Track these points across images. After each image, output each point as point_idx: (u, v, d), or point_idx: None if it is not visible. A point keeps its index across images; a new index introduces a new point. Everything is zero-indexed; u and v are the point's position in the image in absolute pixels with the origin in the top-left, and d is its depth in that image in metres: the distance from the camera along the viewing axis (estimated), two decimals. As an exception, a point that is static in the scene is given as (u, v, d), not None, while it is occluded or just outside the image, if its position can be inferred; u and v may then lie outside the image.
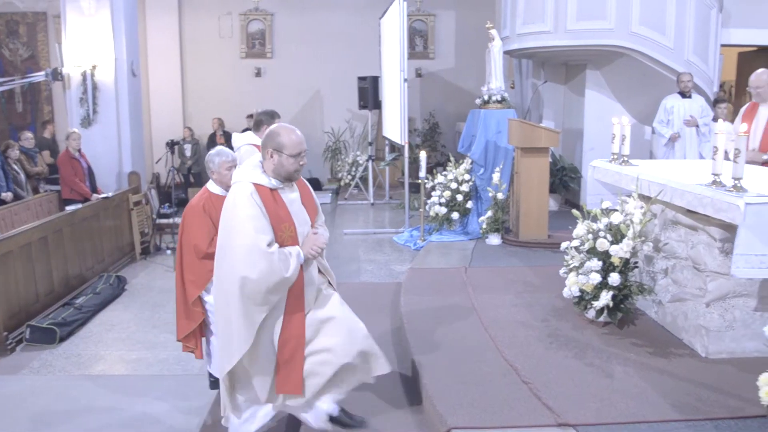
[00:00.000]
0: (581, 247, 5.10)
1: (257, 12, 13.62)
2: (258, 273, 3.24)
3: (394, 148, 11.41)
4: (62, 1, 9.33)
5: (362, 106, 12.18)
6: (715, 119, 8.18)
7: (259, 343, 3.41)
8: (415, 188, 9.92)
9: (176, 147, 11.00)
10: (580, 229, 5.15)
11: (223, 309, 3.45)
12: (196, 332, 4.51)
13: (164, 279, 7.59)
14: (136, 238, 8.79)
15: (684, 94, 8.53)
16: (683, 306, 4.81)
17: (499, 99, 8.64)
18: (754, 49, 10.94)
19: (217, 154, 4.58)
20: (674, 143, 8.53)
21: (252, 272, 3.24)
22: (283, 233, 3.38)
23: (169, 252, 8.73)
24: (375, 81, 11.57)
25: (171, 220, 8.95)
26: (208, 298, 4.40)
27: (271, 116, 5.76)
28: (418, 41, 13.94)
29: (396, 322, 5.61)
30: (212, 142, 12.81)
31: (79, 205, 7.95)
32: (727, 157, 4.22)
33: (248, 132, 5.77)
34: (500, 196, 7.83)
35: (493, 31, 8.76)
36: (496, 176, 7.86)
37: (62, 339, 5.80)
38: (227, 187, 4.30)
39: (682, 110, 8.51)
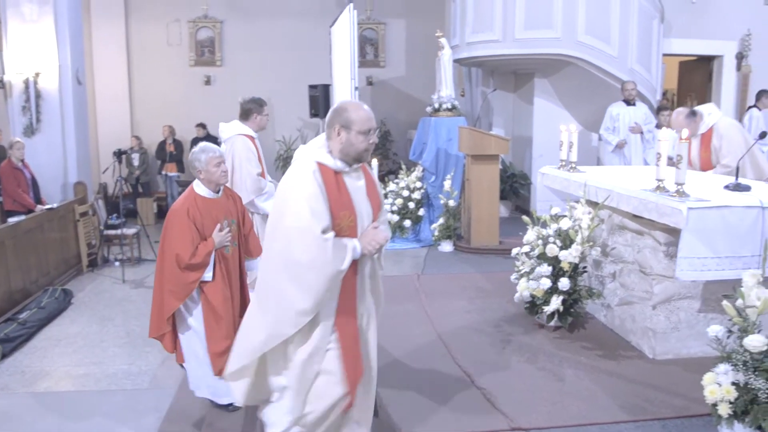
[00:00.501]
0: (531, 253, 5.18)
1: (206, 19, 13.47)
2: (309, 259, 2.87)
3: (346, 156, 11.39)
4: (2, 7, 9.07)
5: (313, 114, 12.13)
6: (658, 126, 8.40)
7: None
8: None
9: (124, 156, 10.78)
10: (530, 234, 5.23)
11: (264, 298, 3.04)
12: (172, 334, 4.18)
13: (112, 291, 7.41)
14: (82, 250, 8.57)
15: (628, 102, 8.75)
16: (631, 309, 4.92)
17: (450, 107, 8.73)
18: (694, 58, 11.29)
19: (202, 151, 4.16)
20: (621, 150, 8.73)
21: (303, 257, 2.87)
22: (342, 222, 2.98)
23: (117, 264, 8.54)
24: (326, 89, 11.55)
25: (119, 231, 8.77)
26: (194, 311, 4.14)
27: (260, 104, 5.72)
28: (369, 49, 13.97)
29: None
30: (162, 150, 12.62)
31: (23, 217, 7.70)
32: (670, 163, 4.35)
33: (234, 121, 5.59)
34: (452, 203, 7.90)
35: (443, 40, 8.86)
36: (447, 183, 7.93)
37: (5, 355, 5.61)
38: (217, 187, 4.16)
39: (627, 117, 8.72)
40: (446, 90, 8.77)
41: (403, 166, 8.98)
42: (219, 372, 3.97)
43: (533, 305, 5.20)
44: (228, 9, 13.47)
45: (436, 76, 8.96)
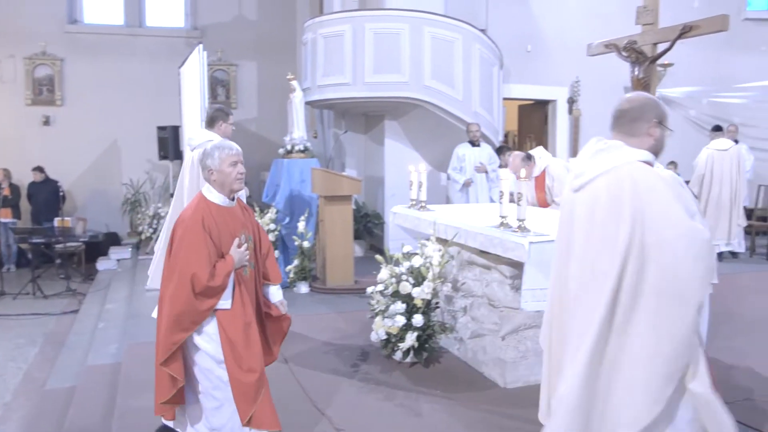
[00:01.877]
0: (385, 291, 5.24)
1: (45, 56, 12.75)
2: (703, 274, 2.47)
3: (198, 199, 11.09)
4: None
5: (162, 157, 11.76)
6: (501, 166, 8.88)
7: None
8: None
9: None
10: (384, 273, 5.30)
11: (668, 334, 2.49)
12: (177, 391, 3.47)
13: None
14: None
15: (474, 143, 9.20)
16: (482, 341, 5.09)
17: (302, 148, 8.75)
18: (531, 102, 12.10)
19: (216, 147, 3.52)
20: (467, 188, 9.13)
21: (702, 273, 2.46)
22: None
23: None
24: (175, 131, 11.25)
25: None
26: (200, 342, 3.42)
27: (225, 113, 5.73)
28: (220, 91, 13.81)
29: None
30: (-6, 195, 11.71)
31: None
32: (512, 200, 4.59)
33: (201, 129, 5.60)
34: (306, 244, 7.87)
35: (295, 83, 8.91)
36: (301, 225, 7.90)
37: None
38: (232, 193, 3.55)
39: (472, 158, 9.16)
40: (298, 132, 8.80)
41: (257, 208, 8.86)
42: (248, 421, 3.42)
43: (389, 343, 5.25)
44: (69, 46, 12.85)
45: (288, 118, 8.98)
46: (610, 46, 4.13)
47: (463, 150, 9.22)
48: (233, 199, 3.60)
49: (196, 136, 5.64)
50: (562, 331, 2.80)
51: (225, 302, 3.40)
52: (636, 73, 4.01)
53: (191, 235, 3.35)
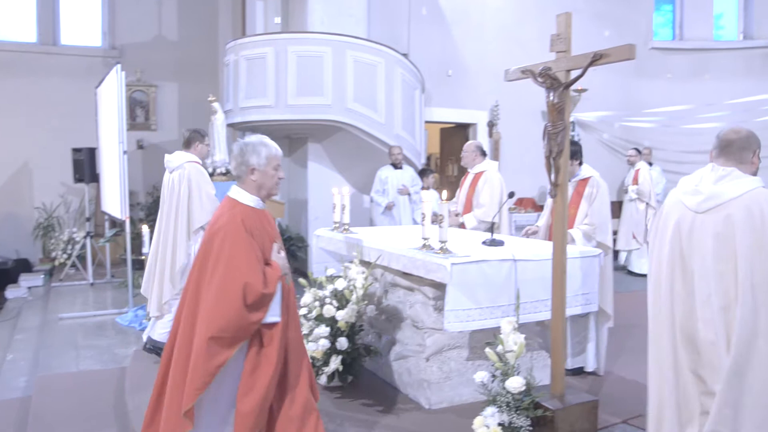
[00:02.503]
0: (309, 315, 5.20)
1: (-51, 76, 12.19)
2: None
3: (115, 223, 10.77)
4: None
5: (78, 180, 11.35)
6: (424, 188, 9.01)
7: None
8: (138, 265, 9.40)
9: None
10: (307, 297, 5.27)
11: None
12: None
13: None
14: None
15: (396, 166, 9.29)
16: (406, 363, 5.11)
17: (224, 171, 8.64)
18: (453, 125, 12.33)
19: (264, 145, 3.16)
20: (390, 211, 9.20)
21: None
22: None
23: None
24: (92, 153, 10.89)
25: None
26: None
27: (202, 134, 6.13)
28: (139, 112, 13.48)
29: (121, 413, 5.16)
30: None
31: None
32: (434, 222, 4.65)
33: (178, 151, 5.96)
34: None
35: (216, 104, 8.82)
36: (224, 248, 7.76)
37: None
38: (268, 197, 3.23)
39: (395, 180, 9.24)
40: (220, 154, 8.69)
41: (178, 232, 8.65)
42: None
43: (313, 366, 5.20)
44: (-25, 65, 12.31)
45: (210, 140, 8.85)
46: (527, 72, 4.26)
47: (386, 172, 9.30)
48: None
49: (173, 159, 5.94)
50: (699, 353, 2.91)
51: (273, 316, 3.05)
52: (551, 98, 4.14)
53: (236, 241, 2.97)
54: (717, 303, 2.81)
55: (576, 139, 10.24)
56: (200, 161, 6.05)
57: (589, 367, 5.59)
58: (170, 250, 5.87)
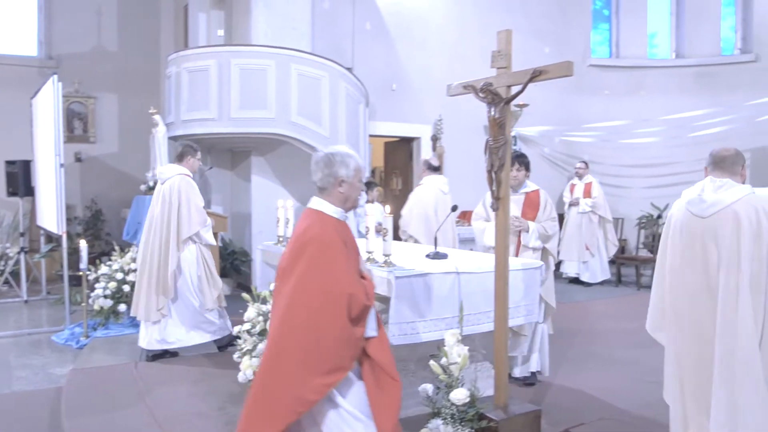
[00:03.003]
0: (253, 330, 5.15)
1: None
2: None
3: (51, 238, 10.46)
4: None
5: (11, 193, 10.98)
6: (368, 201, 9.01)
7: None
8: (76, 281, 9.15)
9: None
10: (251, 312, 5.22)
11: None
12: None
13: None
14: None
15: (341, 179, 9.28)
16: (351, 377, 5.08)
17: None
18: (397, 139, 12.41)
19: (352, 157, 3.12)
20: (335, 224, 9.17)
21: None
22: None
23: None
24: (27, 165, 10.57)
25: None
26: (345, 404, 2.76)
27: (194, 149, 6.48)
28: (77, 124, 13.15)
29: (56, 432, 5.01)
30: None
31: None
32: (378, 235, 4.66)
33: (170, 164, 6.31)
34: (171, 283, 7.59)
35: (158, 117, 8.69)
36: (165, 263, 7.62)
37: None
38: (350, 209, 3.14)
39: (339, 193, 9.23)
40: (161, 167, 8.54)
41: (117, 247, 8.48)
42: None
43: (258, 383, 5.13)
44: None
45: (151, 153, 8.71)
46: (468, 88, 4.32)
47: (331, 186, 9.28)
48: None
49: (165, 170, 6.27)
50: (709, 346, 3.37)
51: (372, 330, 2.90)
52: (492, 113, 4.21)
53: (333, 252, 2.87)
54: (724, 294, 3.31)
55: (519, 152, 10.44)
56: (191, 174, 6.38)
57: (534, 368, 5.68)
58: (160, 258, 6.27)
